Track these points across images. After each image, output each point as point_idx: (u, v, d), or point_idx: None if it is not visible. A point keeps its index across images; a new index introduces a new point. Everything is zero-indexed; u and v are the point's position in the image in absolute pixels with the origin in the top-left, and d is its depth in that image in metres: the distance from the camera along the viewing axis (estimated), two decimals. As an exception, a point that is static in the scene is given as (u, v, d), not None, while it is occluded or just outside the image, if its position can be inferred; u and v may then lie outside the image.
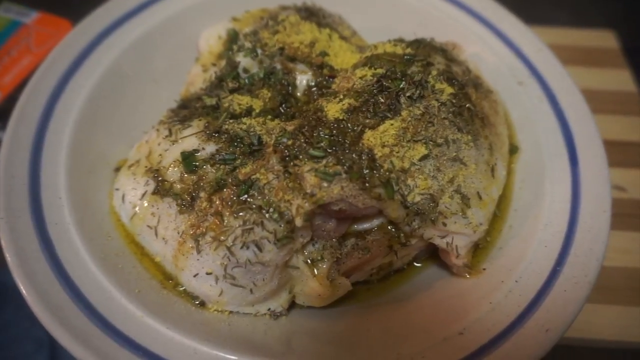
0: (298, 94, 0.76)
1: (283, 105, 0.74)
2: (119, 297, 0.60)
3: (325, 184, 0.58)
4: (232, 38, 0.80)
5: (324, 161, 0.59)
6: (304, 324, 0.67)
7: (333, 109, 0.64)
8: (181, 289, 0.66)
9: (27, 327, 0.86)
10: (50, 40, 1.00)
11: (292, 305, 0.69)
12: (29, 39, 1.00)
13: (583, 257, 0.63)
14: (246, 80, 0.76)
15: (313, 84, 0.75)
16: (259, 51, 0.77)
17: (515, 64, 0.84)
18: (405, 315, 0.66)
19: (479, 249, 0.71)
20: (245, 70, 0.77)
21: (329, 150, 0.60)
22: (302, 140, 0.61)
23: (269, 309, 0.66)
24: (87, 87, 0.80)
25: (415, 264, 0.74)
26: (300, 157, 0.60)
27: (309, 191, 0.59)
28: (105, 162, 0.77)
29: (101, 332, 0.56)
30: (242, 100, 0.73)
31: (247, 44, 0.78)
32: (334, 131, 0.62)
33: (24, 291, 0.57)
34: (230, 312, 0.66)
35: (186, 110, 0.75)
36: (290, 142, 0.61)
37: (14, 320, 0.86)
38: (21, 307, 0.87)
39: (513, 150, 0.78)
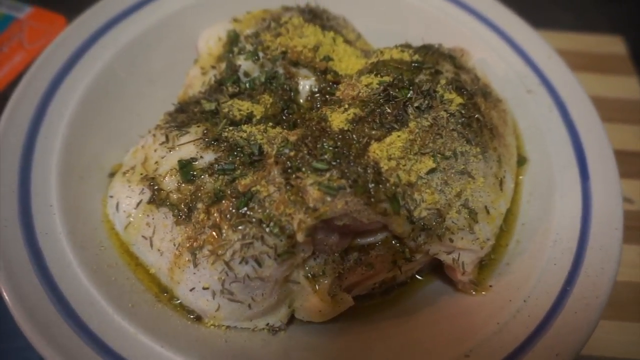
0: (301, 100, 0.73)
1: (285, 112, 0.72)
2: (111, 312, 0.58)
3: (328, 198, 0.56)
4: (233, 40, 0.77)
5: (328, 174, 0.57)
6: (303, 340, 0.65)
7: (337, 119, 0.61)
8: (177, 302, 0.64)
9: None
10: (43, 36, 0.97)
11: (291, 319, 0.66)
12: (22, 34, 0.97)
13: (594, 277, 0.61)
14: (247, 85, 0.73)
15: (316, 89, 0.73)
16: (261, 54, 0.74)
17: (524, 71, 0.82)
18: (408, 333, 0.64)
19: (484, 265, 0.68)
20: (246, 74, 0.74)
21: (333, 163, 0.57)
22: (305, 152, 0.58)
23: (268, 324, 0.64)
24: (81, 88, 0.77)
25: (418, 276, 0.72)
26: (303, 169, 0.58)
27: (311, 205, 0.56)
28: (99, 166, 0.75)
29: (92, 350, 0.53)
30: (243, 106, 0.70)
31: (249, 47, 0.75)
32: (339, 142, 0.59)
33: (10, 305, 0.54)
34: (227, 327, 0.63)
35: (184, 115, 0.72)
36: (292, 154, 0.59)
37: (6, 316, 0.84)
38: None
39: (521, 161, 0.76)
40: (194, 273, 0.59)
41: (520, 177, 0.75)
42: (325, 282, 0.62)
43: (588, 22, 1.28)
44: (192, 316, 0.63)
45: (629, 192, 0.92)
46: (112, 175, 0.74)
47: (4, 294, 0.55)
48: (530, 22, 0.88)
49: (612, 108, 1.07)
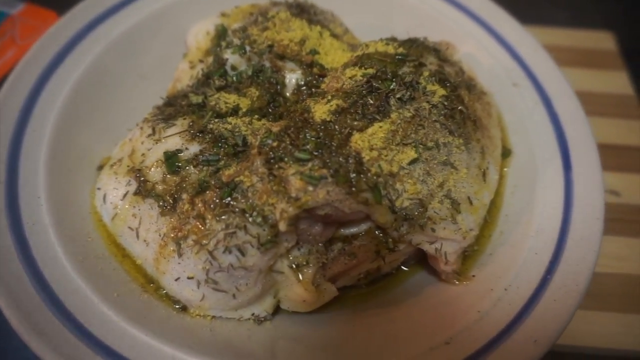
0: (287, 93, 0.74)
1: (271, 105, 0.72)
2: (97, 302, 0.58)
3: (310, 188, 0.57)
4: (221, 34, 0.78)
5: (310, 164, 0.58)
6: (289, 330, 0.66)
7: (320, 110, 0.62)
8: (162, 292, 0.65)
9: None
10: (36, 32, 0.98)
11: (277, 310, 0.67)
12: (14, 30, 0.98)
13: (574, 266, 0.61)
14: (234, 78, 0.74)
15: (302, 83, 0.73)
16: (248, 48, 0.75)
17: (510, 65, 0.82)
18: (392, 323, 0.64)
19: (467, 256, 0.69)
20: (233, 68, 0.75)
21: (315, 153, 0.58)
22: (288, 142, 0.59)
23: (253, 314, 0.65)
24: (71, 81, 0.78)
25: (403, 267, 0.72)
26: (286, 159, 0.58)
27: (293, 195, 0.57)
28: (87, 160, 0.75)
29: (76, 338, 0.54)
30: (229, 99, 0.71)
31: (236, 41, 0.76)
32: (321, 133, 0.60)
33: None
34: (213, 316, 0.64)
35: (172, 108, 0.73)
36: (275, 144, 0.60)
37: (4, 314, 0.85)
38: None
39: (506, 153, 0.76)
40: (179, 263, 0.60)
41: (505, 169, 0.75)
42: (309, 272, 0.63)
43: (582, 19, 1.29)
44: (177, 306, 0.64)
45: (616, 184, 0.93)
46: (100, 168, 0.74)
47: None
48: (524, 19, 0.89)
49: (602, 102, 1.07)
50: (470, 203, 0.64)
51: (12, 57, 0.94)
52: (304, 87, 0.74)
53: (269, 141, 0.60)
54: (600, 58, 1.16)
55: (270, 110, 0.72)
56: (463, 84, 0.71)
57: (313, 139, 0.59)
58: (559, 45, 1.15)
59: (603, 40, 1.20)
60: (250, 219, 0.58)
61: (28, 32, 0.98)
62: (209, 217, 0.59)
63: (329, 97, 0.64)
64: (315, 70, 0.74)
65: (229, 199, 0.59)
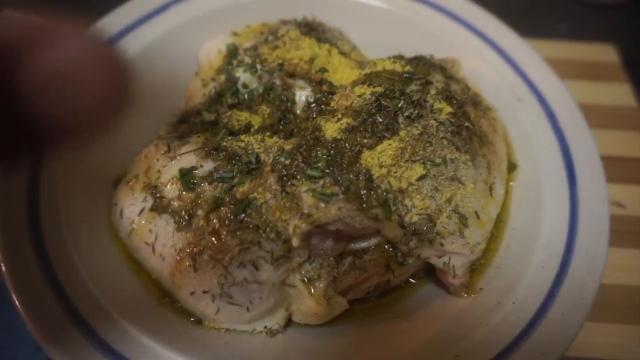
0: (297, 110, 0.76)
1: (282, 122, 0.74)
2: (116, 315, 0.60)
3: (322, 205, 0.58)
4: (232, 53, 0.80)
5: (322, 181, 0.59)
6: (300, 342, 0.67)
7: (331, 129, 0.64)
8: (178, 306, 0.66)
9: (24, 331, 0.86)
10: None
11: (289, 322, 0.69)
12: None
13: (580, 280, 0.63)
14: (245, 96, 0.76)
15: (312, 100, 0.75)
16: (259, 67, 0.77)
17: (514, 80, 0.84)
18: (402, 335, 0.66)
19: (474, 269, 0.70)
20: (245, 86, 0.77)
21: (327, 171, 0.60)
22: (300, 160, 0.61)
23: (266, 327, 0.66)
24: (87, 100, 0.80)
25: (411, 280, 0.74)
26: (298, 177, 0.60)
27: (306, 211, 0.59)
28: (103, 176, 0.77)
29: (96, 351, 0.56)
30: (241, 116, 0.73)
31: (247, 59, 0.78)
32: (332, 151, 0.62)
33: (19, 308, 0.57)
34: (227, 329, 0.66)
35: (185, 125, 0.75)
36: (288, 162, 0.61)
37: (14, 323, 0.86)
38: None
39: (511, 168, 0.78)
40: (194, 277, 0.62)
41: (511, 183, 0.77)
42: (321, 285, 0.64)
43: (583, 31, 1.31)
44: (192, 319, 0.65)
45: (621, 196, 0.94)
46: (115, 184, 0.76)
47: (13, 293, 0.57)
48: (524, 31, 0.91)
49: (604, 115, 1.09)
50: (478, 217, 0.66)
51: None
52: (314, 104, 0.76)
53: (282, 159, 0.62)
54: (602, 70, 1.18)
55: (281, 127, 0.74)
56: (469, 101, 0.73)
57: (324, 156, 0.61)
58: (560, 58, 1.17)
59: (604, 53, 1.21)
60: (264, 235, 0.60)
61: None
62: (224, 232, 0.61)
63: (339, 116, 0.66)
64: (324, 87, 0.76)
65: (243, 215, 0.61)
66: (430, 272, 0.73)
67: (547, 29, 1.30)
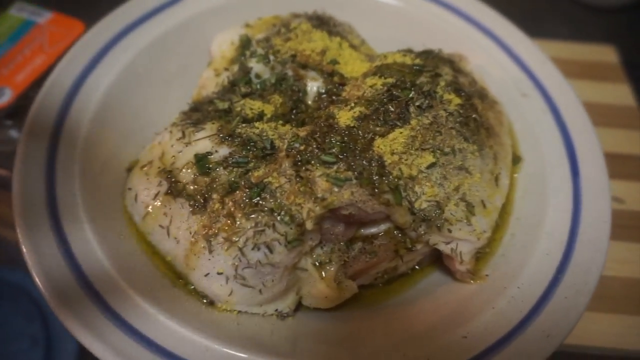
0: (308, 100, 0.78)
1: (293, 111, 0.76)
2: (132, 295, 0.61)
3: (336, 189, 0.60)
4: (245, 44, 0.82)
5: (335, 167, 0.61)
6: (310, 325, 0.69)
7: (344, 116, 0.66)
8: (191, 287, 0.68)
9: (23, 325, 0.87)
10: (63, 40, 1.02)
11: (299, 306, 0.70)
12: (43, 38, 1.02)
13: (584, 266, 0.65)
14: (258, 86, 0.78)
15: (323, 91, 0.77)
16: (271, 57, 0.79)
17: (519, 76, 0.86)
18: (410, 319, 0.67)
19: (479, 257, 0.72)
20: (257, 76, 0.79)
21: (340, 156, 0.62)
22: (314, 146, 0.63)
23: (276, 310, 0.68)
24: (102, 88, 0.81)
25: (417, 267, 0.76)
26: (312, 162, 0.62)
27: (320, 195, 0.61)
28: (117, 162, 0.79)
29: (116, 327, 0.57)
30: (254, 105, 0.75)
31: (260, 50, 0.80)
32: (345, 138, 0.64)
33: (40, 287, 0.58)
34: (239, 311, 0.67)
35: (198, 113, 0.77)
36: (302, 147, 0.63)
37: (10, 317, 0.87)
38: (17, 305, 0.88)
39: (516, 160, 0.80)
40: (209, 259, 0.63)
41: (515, 174, 0.79)
42: (332, 269, 0.66)
43: (584, 32, 1.34)
44: (205, 301, 0.67)
45: (620, 192, 0.96)
46: (129, 170, 0.78)
47: (35, 276, 0.59)
48: (528, 33, 0.93)
49: (604, 113, 1.11)
50: (484, 206, 0.68)
51: (41, 63, 0.98)
52: (325, 95, 0.77)
53: (297, 145, 0.64)
54: (602, 70, 1.21)
55: (292, 116, 0.76)
56: (476, 94, 0.75)
57: (338, 143, 0.63)
58: (561, 58, 1.19)
59: (605, 53, 1.24)
60: (278, 218, 0.61)
61: (56, 40, 1.02)
62: (239, 215, 0.62)
63: (352, 104, 0.68)
64: (335, 79, 0.78)
65: (258, 198, 0.62)
66: (435, 260, 0.75)
67: (549, 31, 1.33)
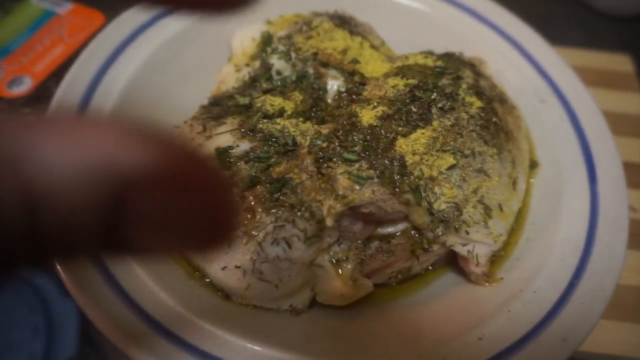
0: (328, 99, 0.78)
1: (313, 109, 0.77)
2: (152, 285, 0.62)
3: (357, 187, 0.61)
4: (266, 40, 0.82)
5: (357, 165, 0.62)
6: (324, 322, 0.69)
7: (367, 115, 0.66)
8: (207, 281, 0.68)
9: (25, 313, 0.88)
10: (82, 31, 1.02)
11: (312, 303, 0.71)
12: (62, 29, 1.02)
13: (600, 272, 0.65)
14: (279, 82, 0.78)
15: (343, 90, 0.78)
16: (293, 55, 0.79)
17: (538, 82, 0.87)
18: (423, 318, 0.68)
19: (494, 260, 0.73)
20: (278, 73, 0.79)
21: (362, 155, 0.62)
22: (337, 144, 0.63)
23: (291, 305, 0.68)
24: (122, 81, 0.82)
25: (430, 267, 0.76)
26: (334, 159, 0.62)
27: (341, 193, 0.61)
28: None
29: (136, 318, 0.58)
30: (275, 101, 0.75)
31: (281, 47, 0.80)
32: (368, 137, 0.64)
33: (65, 278, 0.59)
34: (254, 306, 0.67)
35: (218, 108, 0.77)
36: (324, 145, 0.64)
37: (13, 306, 0.88)
38: (20, 293, 0.89)
39: (533, 165, 0.80)
40: (227, 252, 0.64)
41: (532, 179, 0.79)
42: (348, 267, 0.66)
43: (598, 40, 1.34)
44: (220, 294, 0.67)
45: (633, 201, 0.96)
46: (147, 162, 0.78)
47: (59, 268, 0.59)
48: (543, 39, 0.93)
49: (618, 122, 1.11)
50: (501, 209, 0.68)
51: (61, 54, 0.99)
52: (345, 94, 0.78)
53: (319, 142, 0.64)
54: (616, 79, 1.21)
55: (312, 114, 0.76)
56: (496, 98, 0.75)
57: (361, 141, 0.63)
58: (575, 65, 1.16)
59: (619, 62, 1.24)
60: (298, 214, 0.62)
61: (75, 31, 1.02)
62: (259, 210, 0.63)
63: (375, 104, 0.68)
64: (356, 78, 0.78)
65: (278, 194, 0.63)
66: (449, 261, 0.75)
67: (564, 38, 1.33)
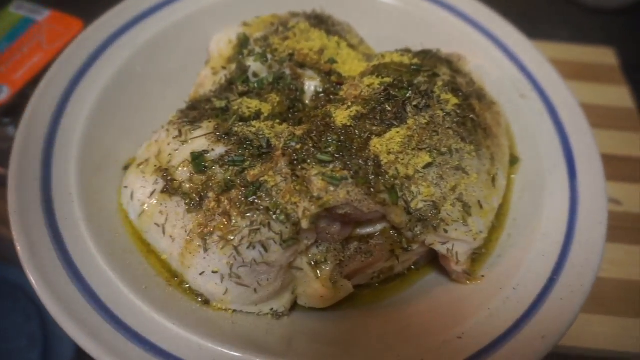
0: (306, 100, 0.77)
1: (291, 110, 0.76)
2: (127, 293, 0.61)
3: (332, 188, 0.60)
4: (243, 42, 0.82)
5: (331, 166, 0.61)
6: (305, 325, 0.69)
7: (341, 116, 0.66)
8: (186, 286, 0.67)
9: (21, 323, 0.87)
10: (61, 38, 1.02)
11: (294, 306, 0.70)
12: (41, 36, 1.02)
13: (579, 267, 0.65)
14: (255, 85, 0.77)
15: (321, 90, 0.77)
16: (269, 56, 0.79)
17: (518, 77, 0.86)
18: (405, 319, 0.67)
19: (475, 258, 0.72)
20: (255, 75, 0.79)
21: (337, 156, 0.62)
22: (311, 145, 0.63)
23: (272, 309, 0.68)
24: (99, 86, 0.81)
25: (413, 267, 0.76)
26: (308, 161, 0.62)
27: (315, 194, 0.60)
28: (113, 160, 0.79)
29: (109, 325, 0.57)
30: (251, 104, 0.75)
31: (258, 49, 0.80)
32: (342, 137, 0.63)
33: (34, 284, 0.58)
34: (234, 310, 0.67)
35: (196, 112, 0.76)
36: (298, 146, 0.63)
37: (8, 316, 0.87)
38: (16, 303, 0.88)
39: (513, 161, 0.80)
40: (204, 258, 0.63)
41: (512, 175, 0.79)
42: (327, 268, 0.66)
43: (582, 35, 1.34)
44: (200, 300, 0.67)
45: (617, 194, 0.96)
46: (125, 168, 0.78)
47: (28, 272, 0.59)
48: (527, 34, 0.93)
49: (602, 115, 1.11)
50: (481, 207, 0.68)
51: (39, 61, 0.98)
52: (322, 94, 0.77)
53: (293, 143, 0.64)
54: (600, 72, 1.21)
55: (290, 115, 0.76)
56: (474, 94, 0.75)
57: (334, 142, 0.63)
58: (559, 59, 1.19)
59: (603, 56, 1.24)
60: (274, 217, 0.61)
61: (54, 38, 1.02)
62: (235, 214, 0.62)
63: (349, 104, 0.67)
64: (333, 78, 0.77)
65: (253, 197, 0.62)
66: (432, 261, 0.75)
67: (548, 33, 1.33)
